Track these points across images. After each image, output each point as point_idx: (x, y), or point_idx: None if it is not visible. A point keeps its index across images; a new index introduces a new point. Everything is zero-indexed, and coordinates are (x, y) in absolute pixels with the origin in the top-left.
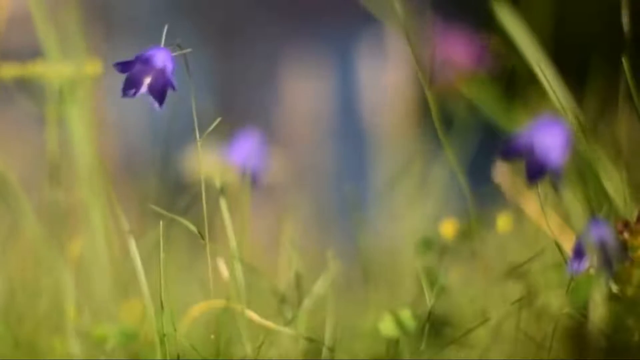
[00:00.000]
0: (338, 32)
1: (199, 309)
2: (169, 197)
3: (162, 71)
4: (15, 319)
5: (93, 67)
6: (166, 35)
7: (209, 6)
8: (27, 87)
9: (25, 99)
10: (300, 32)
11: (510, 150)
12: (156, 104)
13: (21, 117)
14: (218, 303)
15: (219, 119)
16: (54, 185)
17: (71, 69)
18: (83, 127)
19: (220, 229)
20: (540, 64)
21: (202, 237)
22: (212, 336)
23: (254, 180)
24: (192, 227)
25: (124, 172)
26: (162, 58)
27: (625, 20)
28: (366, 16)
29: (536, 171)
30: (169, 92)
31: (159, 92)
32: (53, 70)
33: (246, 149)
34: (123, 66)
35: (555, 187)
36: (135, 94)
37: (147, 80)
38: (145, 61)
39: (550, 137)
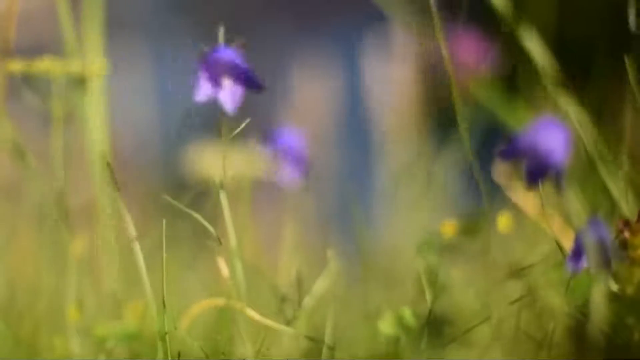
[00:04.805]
0: (344, 30)
1: (199, 307)
2: (173, 197)
3: (246, 72)
4: (15, 319)
5: (98, 65)
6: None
7: (214, 5)
8: (34, 84)
9: (31, 95)
10: (306, 30)
11: (512, 150)
12: (229, 106)
13: (27, 113)
14: (218, 302)
15: (248, 120)
16: (58, 182)
17: (77, 66)
18: (92, 124)
19: (222, 228)
20: (543, 63)
21: (219, 240)
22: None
23: (299, 174)
24: (211, 229)
25: (128, 170)
26: (239, 58)
27: (632, 18)
28: (372, 14)
29: (538, 171)
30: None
31: (239, 93)
32: (59, 67)
33: (289, 144)
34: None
35: (557, 187)
36: (213, 94)
37: (227, 82)
38: (225, 62)
39: (552, 137)
